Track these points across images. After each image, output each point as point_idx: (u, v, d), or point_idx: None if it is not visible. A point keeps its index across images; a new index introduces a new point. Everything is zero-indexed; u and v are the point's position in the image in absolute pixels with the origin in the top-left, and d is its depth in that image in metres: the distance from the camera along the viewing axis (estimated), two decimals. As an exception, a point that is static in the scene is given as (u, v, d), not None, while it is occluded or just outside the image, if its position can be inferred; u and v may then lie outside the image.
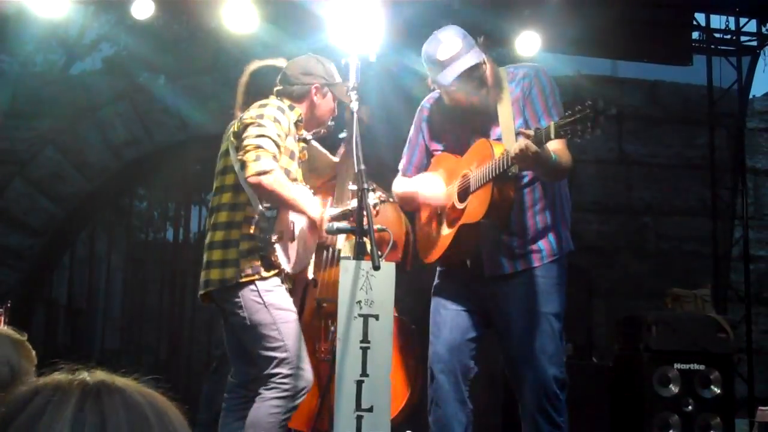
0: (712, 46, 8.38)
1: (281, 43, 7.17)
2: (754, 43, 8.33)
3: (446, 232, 3.68)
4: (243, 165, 3.70)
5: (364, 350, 3.16)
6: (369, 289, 3.19)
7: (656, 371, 6.01)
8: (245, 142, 3.73)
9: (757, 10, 8.03)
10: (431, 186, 3.77)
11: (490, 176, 3.39)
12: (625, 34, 7.47)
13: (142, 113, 8.53)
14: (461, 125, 3.79)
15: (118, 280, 13.78)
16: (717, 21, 8.36)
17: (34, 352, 2.34)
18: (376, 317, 3.19)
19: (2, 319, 4.43)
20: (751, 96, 8.99)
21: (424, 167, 3.95)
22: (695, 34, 8.29)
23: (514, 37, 7.02)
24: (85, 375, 1.10)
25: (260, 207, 3.76)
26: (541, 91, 3.68)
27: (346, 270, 3.22)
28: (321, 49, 6.44)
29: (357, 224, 3.29)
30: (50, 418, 1.01)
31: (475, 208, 3.50)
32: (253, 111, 3.85)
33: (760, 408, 5.93)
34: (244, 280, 3.76)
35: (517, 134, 3.39)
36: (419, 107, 3.99)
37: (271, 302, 3.77)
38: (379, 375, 3.18)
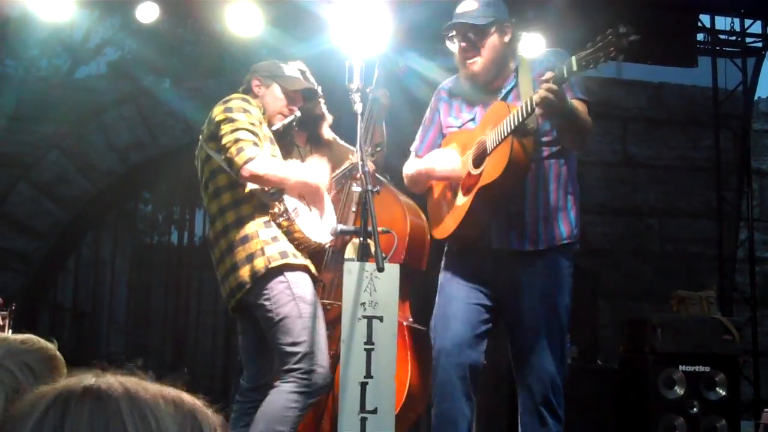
0: (717, 48, 8.37)
1: (285, 46, 7.18)
2: (759, 45, 8.31)
3: (462, 201, 3.59)
4: (230, 163, 3.70)
5: (368, 352, 3.15)
6: (373, 290, 3.18)
7: (661, 373, 6.00)
8: (223, 141, 3.74)
9: (762, 12, 8.02)
10: (447, 160, 3.67)
11: (510, 128, 3.31)
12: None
13: (147, 117, 8.55)
14: (480, 104, 3.73)
15: (122, 284, 13.80)
16: (722, 22, 8.36)
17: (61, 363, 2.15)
18: (381, 319, 3.19)
19: (7, 322, 4.43)
20: (756, 97, 8.97)
21: (437, 147, 3.88)
22: (700, 36, 8.27)
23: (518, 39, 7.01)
24: (77, 380, 1.09)
25: (255, 185, 3.78)
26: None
27: (350, 272, 3.22)
28: (325, 52, 6.47)
29: (361, 226, 3.28)
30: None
31: (493, 167, 3.40)
32: (219, 108, 3.87)
33: (765, 410, 5.91)
34: (274, 266, 3.71)
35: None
36: (437, 89, 3.93)
37: (299, 295, 3.74)
38: (384, 377, 3.17)
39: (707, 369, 6.02)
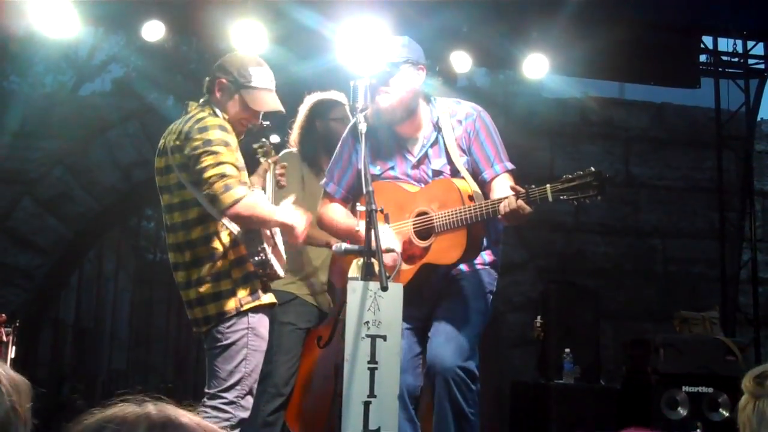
0: (720, 69, 8.40)
1: (290, 64, 7.21)
2: (762, 66, 8.34)
3: (405, 267, 3.64)
4: (213, 199, 3.59)
5: (372, 371, 3.15)
6: (377, 309, 3.18)
7: (664, 394, 5.99)
8: (205, 175, 3.58)
9: (764, 33, 8.05)
10: (384, 238, 3.55)
11: (466, 222, 3.40)
12: (632, 56, 7.50)
13: (151, 134, 8.56)
14: (397, 152, 3.77)
15: (125, 301, 13.82)
16: (724, 44, 8.39)
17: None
18: (384, 338, 3.19)
19: (11, 338, 4.43)
20: (759, 119, 8.99)
21: (355, 190, 3.86)
22: (703, 57, 8.31)
23: (522, 59, 7.05)
24: (150, 408, 1.11)
25: (235, 226, 3.73)
26: (488, 134, 3.68)
27: (354, 291, 3.22)
28: (330, 71, 6.51)
29: (365, 245, 3.28)
30: None
31: (445, 250, 3.50)
32: (197, 138, 3.65)
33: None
34: (246, 308, 3.71)
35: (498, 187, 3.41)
36: (351, 127, 3.84)
37: (253, 325, 3.74)
38: (387, 396, 3.17)
39: (710, 390, 6.00)
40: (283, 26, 6.73)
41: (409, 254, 3.65)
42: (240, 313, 3.71)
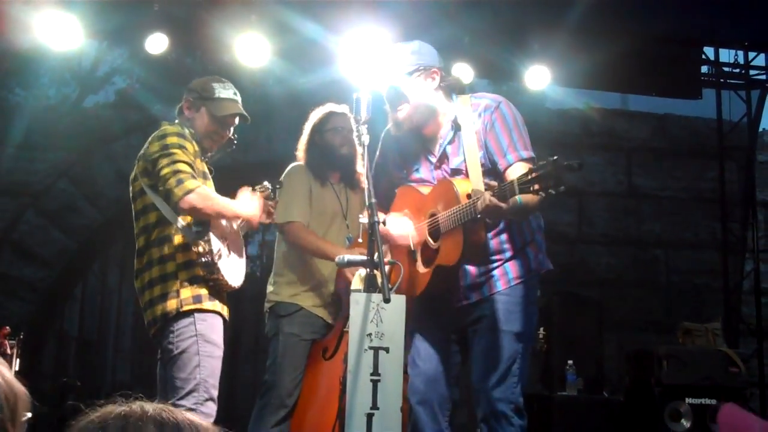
0: (722, 80, 8.42)
1: (293, 76, 7.23)
2: (764, 77, 8.36)
3: (423, 270, 3.65)
4: (168, 194, 3.71)
5: (375, 383, 3.15)
6: (379, 321, 3.18)
7: (668, 406, 5.98)
8: (161, 173, 3.74)
9: (765, 44, 8.08)
10: (401, 227, 3.69)
11: (460, 222, 3.37)
12: (634, 67, 7.52)
13: (155, 146, 8.59)
14: (422, 150, 3.77)
15: (129, 313, 13.81)
16: (726, 55, 8.42)
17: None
18: (387, 350, 3.19)
19: (15, 351, 4.45)
20: (760, 129, 9.01)
21: (389, 195, 3.91)
22: (704, 68, 8.33)
23: (523, 71, 7.07)
24: (147, 407, 1.14)
25: (182, 223, 3.78)
26: (504, 124, 3.58)
27: (357, 302, 3.22)
28: (333, 83, 6.53)
29: (368, 256, 3.29)
30: None
31: (449, 251, 3.48)
32: (155, 144, 3.85)
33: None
34: (185, 309, 3.77)
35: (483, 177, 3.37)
36: (383, 133, 3.90)
37: (201, 332, 3.79)
38: (390, 408, 3.17)
39: (713, 401, 5.99)
40: (287, 39, 6.75)
41: (426, 256, 3.65)
42: (180, 315, 3.78)
